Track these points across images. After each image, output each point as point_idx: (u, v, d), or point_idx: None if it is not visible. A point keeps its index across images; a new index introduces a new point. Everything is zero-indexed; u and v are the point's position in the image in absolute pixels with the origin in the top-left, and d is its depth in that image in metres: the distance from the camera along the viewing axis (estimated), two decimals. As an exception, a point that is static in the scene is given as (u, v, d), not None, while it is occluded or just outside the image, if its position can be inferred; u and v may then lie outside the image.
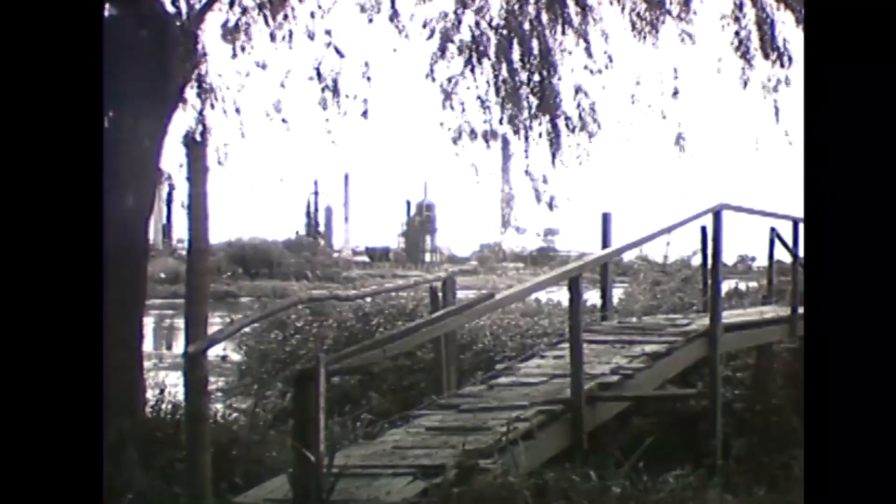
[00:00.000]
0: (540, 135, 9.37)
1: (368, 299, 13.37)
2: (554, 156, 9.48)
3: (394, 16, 8.71)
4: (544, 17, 8.98)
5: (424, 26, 8.89)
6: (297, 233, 75.48)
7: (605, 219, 11.26)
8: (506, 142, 9.82)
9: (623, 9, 9.10)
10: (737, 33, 9.01)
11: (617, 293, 15.78)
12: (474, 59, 8.97)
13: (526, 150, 9.50)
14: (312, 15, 8.65)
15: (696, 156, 10.15)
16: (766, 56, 8.98)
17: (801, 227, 12.54)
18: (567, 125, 9.31)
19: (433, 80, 9.13)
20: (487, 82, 9.16)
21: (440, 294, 9.07)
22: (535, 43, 8.99)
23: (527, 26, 9.00)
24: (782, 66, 9.12)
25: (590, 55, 9.17)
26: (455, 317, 7.39)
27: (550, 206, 9.87)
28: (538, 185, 9.77)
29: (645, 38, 9.20)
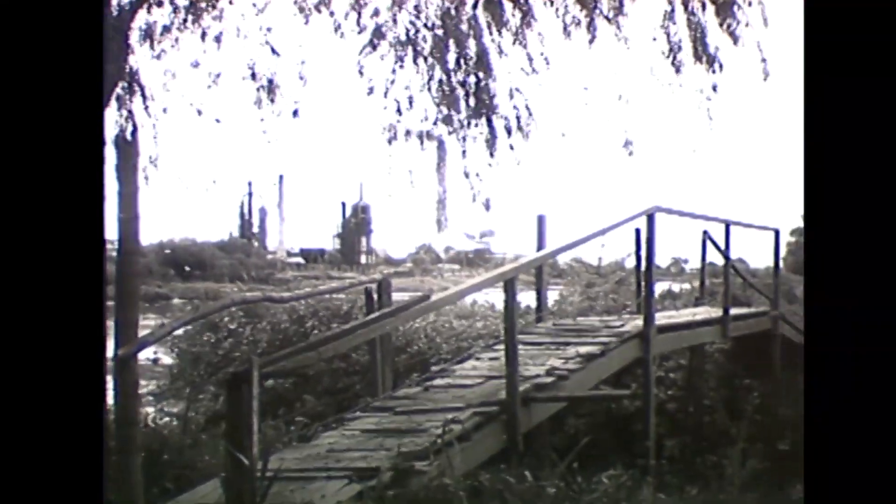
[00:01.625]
0: (476, 137, 9.36)
1: (303, 301, 13.27)
2: (491, 156, 9.47)
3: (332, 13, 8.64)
4: (481, 18, 8.98)
5: (359, 23, 8.81)
6: (230, 234, 74.92)
7: (540, 221, 11.32)
8: (441, 143, 9.79)
9: (557, 10, 9.12)
10: (668, 38, 9.09)
11: (552, 295, 15.88)
12: (409, 59, 8.92)
13: (463, 152, 9.48)
14: (244, 15, 8.53)
15: (633, 159, 10.18)
16: (699, 60, 9.08)
17: (732, 229, 12.77)
18: (504, 126, 9.31)
19: (361, 74, 9.07)
20: (423, 84, 9.13)
21: (375, 296, 9.04)
22: (471, 43, 8.97)
23: (463, 27, 8.98)
24: (713, 71, 9.23)
25: (527, 57, 9.19)
26: (390, 319, 7.36)
27: (487, 207, 9.85)
28: (474, 187, 9.76)
29: (582, 39, 9.23)
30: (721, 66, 9.08)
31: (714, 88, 9.35)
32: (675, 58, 9.06)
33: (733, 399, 12.68)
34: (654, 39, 9.11)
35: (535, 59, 9.34)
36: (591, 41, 9.28)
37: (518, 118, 9.30)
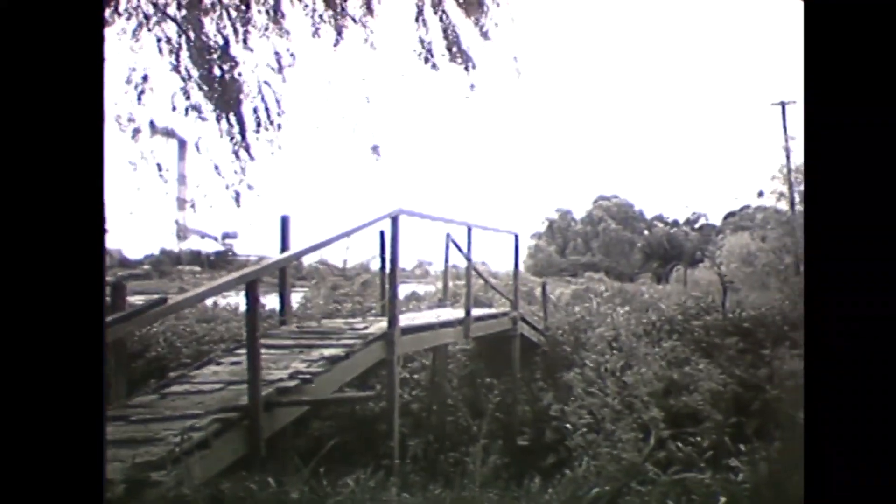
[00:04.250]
0: (221, 131, 9.08)
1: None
2: (237, 153, 9.22)
3: None
4: (228, 12, 8.73)
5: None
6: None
7: (284, 222, 11.12)
8: (182, 141, 9.45)
9: (306, 8, 9.02)
10: (421, 39, 9.18)
11: (297, 298, 15.72)
12: (156, 50, 8.55)
13: (237, 142, 9.16)
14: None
15: (378, 160, 10.22)
16: (453, 59, 9.21)
17: (474, 232, 13.08)
18: (255, 121, 9.09)
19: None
20: (167, 71, 8.77)
21: (108, 299, 8.58)
22: (217, 37, 8.71)
23: (209, 20, 8.71)
24: (467, 70, 9.40)
25: (275, 54, 9.02)
26: (124, 323, 6.99)
27: (237, 201, 9.58)
28: (221, 183, 9.47)
29: (330, 40, 9.17)
30: (474, 65, 9.27)
31: (471, 87, 9.53)
32: (428, 58, 9.15)
33: (475, 397, 13.02)
34: (405, 41, 9.18)
35: (282, 56, 9.20)
36: (336, 43, 9.24)
37: (268, 111, 9.12)
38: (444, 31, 9.12)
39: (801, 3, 3.13)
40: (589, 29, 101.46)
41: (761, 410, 11.74)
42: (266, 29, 8.92)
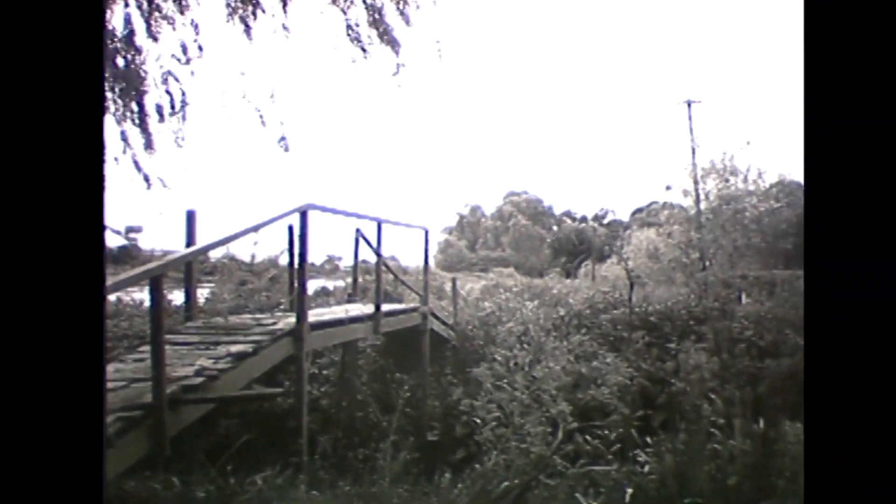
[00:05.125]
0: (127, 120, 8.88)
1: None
2: (145, 144, 9.02)
3: None
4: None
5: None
6: None
7: (190, 216, 10.91)
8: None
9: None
10: (346, 22, 9.09)
11: (203, 293, 15.47)
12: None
13: (143, 131, 8.93)
14: None
15: (291, 153, 10.10)
16: (384, 41, 9.14)
17: (384, 227, 13.03)
18: (157, 112, 8.89)
19: None
20: None
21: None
22: (121, 25, 8.51)
23: (114, 9, 8.49)
24: (397, 54, 9.34)
25: (180, 44, 8.84)
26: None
27: (147, 181, 9.35)
28: (124, 174, 9.25)
29: (240, 30, 9.02)
30: (397, 52, 9.21)
31: (397, 68, 9.47)
32: (356, 39, 9.06)
33: (385, 393, 12.98)
34: (325, 28, 9.08)
35: (189, 47, 9.03)
36: (246, 31, 9.10)
37: (172, 105, 8.94)
38: (370, 11, 9.05)
39: (801, 4, 3.14)
40: (500, 26, 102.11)
41: (667, 403, 11.94)
42: (172, 20, 8.73)
